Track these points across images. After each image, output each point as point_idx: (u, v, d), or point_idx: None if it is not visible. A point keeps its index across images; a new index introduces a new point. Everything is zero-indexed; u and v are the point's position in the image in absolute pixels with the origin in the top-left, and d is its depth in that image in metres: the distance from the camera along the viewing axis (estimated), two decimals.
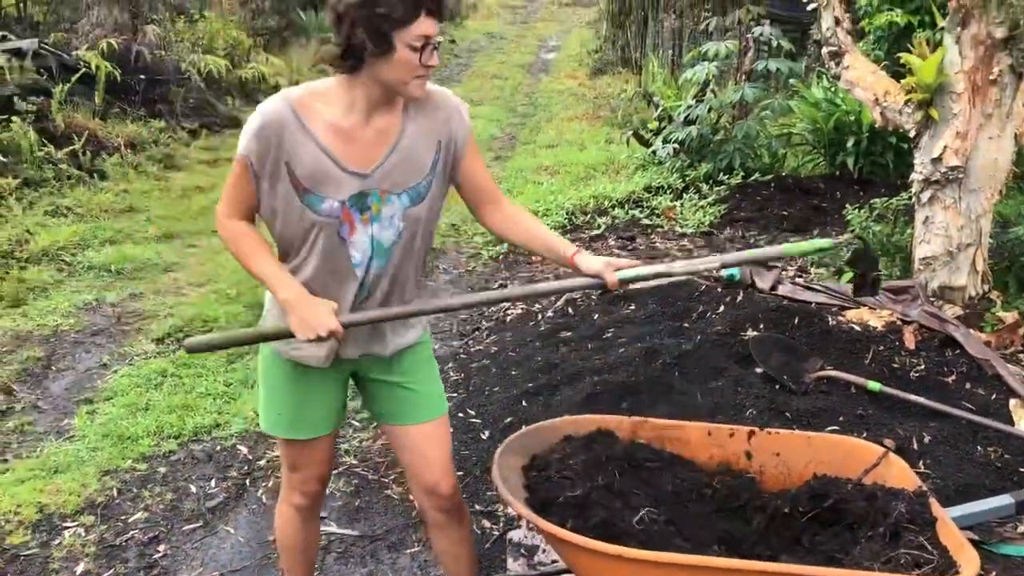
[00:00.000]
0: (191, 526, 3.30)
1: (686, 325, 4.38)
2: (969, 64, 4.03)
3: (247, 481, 3.58)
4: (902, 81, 4.29)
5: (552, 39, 20.25)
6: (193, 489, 3.52)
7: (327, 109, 2.08)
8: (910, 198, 4.58)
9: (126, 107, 9.48)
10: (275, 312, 2.24)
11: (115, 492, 3.46)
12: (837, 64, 4.52)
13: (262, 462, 3.69)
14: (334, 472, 3.58)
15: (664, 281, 4.94)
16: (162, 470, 3.64)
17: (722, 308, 4.47)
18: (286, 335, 2.12)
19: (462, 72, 16.14)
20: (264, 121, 2.05)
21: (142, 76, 9.75)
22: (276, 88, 12.28)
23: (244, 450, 3.79)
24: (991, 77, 3.99)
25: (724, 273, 5.01)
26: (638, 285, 5.03)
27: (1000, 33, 3.94)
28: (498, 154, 10.12)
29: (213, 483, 3.57)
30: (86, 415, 4.08)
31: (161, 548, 3.18)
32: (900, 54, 4.45)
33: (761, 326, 4.19)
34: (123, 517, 3.32)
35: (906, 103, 4.26)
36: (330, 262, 2.15)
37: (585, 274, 2.24)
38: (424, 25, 1.97)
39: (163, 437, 3.87)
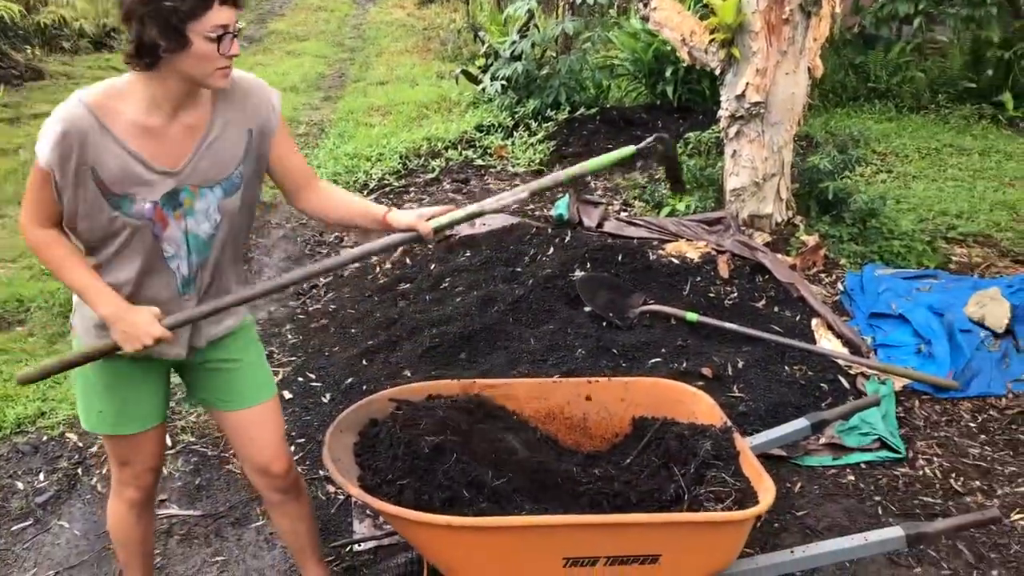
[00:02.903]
0: (20, 525, 3.16)
1: (518, 270, 4.49)
2: (764, 4, 4.24)
3: (79, 470, 3.45)
4: (706, 22, 4.48)
5: None
6: (20, 485, 3.36)
7: (129, 108, 1.98)
8: (721, 132, 4.82)
9: None
10: (84, 312, 2.17)
11: None
12: (645, 6, 4.64)
13: (93, 448, 3.56)
14: (172, 452, 3.51)
15: (488, 221, 5.03)
16: None
17: (552, 250, 4.60)
18: (113, 350, 2.09)
19: (284, 5, 15.46)
20: (64, 128, 1.93)
21: None
22: (81, 34, 11.40)
23: (74, 438, 3.64)
24: (784, 16, 4.22)
25: (553, 213, 5.16)
26: (469, 230, 5.14)
27: None
28: (327, 94, 9.84)
29: (42, 476, 3.42)
30: None
31: None
32: None
33: (588, 265, 4.36)
34: None
35: (710, 43, 4.45)
36: (144, 260, 2.09)
37: (399, 230, 2.25)
38: (219, 14, 1.89)
39: None
